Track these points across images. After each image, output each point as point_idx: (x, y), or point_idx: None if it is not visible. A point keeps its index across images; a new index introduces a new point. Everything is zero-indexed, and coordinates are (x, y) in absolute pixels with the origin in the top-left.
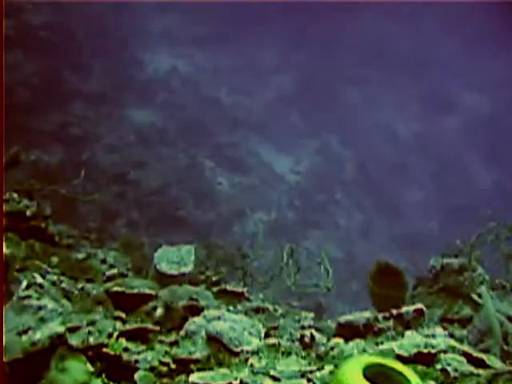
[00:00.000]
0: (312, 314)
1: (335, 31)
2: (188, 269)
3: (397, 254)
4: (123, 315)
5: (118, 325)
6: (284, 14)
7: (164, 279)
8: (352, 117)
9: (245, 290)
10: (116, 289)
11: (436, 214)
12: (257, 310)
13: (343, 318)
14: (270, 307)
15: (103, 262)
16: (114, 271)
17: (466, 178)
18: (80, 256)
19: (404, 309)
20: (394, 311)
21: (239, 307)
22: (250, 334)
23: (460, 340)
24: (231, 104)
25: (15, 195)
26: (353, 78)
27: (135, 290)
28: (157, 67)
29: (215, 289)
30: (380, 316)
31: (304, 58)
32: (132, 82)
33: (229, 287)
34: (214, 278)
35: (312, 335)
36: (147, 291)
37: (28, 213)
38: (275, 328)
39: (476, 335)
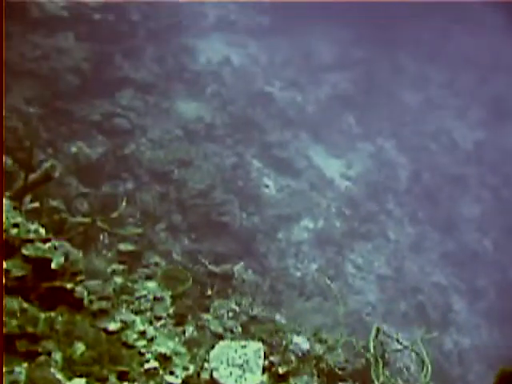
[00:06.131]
0: None
1: (396, 30)
2: (256, 380)
3: (448, 271)
4: None
5: None
6: (344, 9)
7: None
8: (409, 121)
9: None
10: None
11: (492, 230)
12: None
13: None
14: None
15: (142, 334)
16: (156, 364)
17: None
18: (113, 327)
19: None
20: None
21: None
22: None
23: None
24: (283, 100)
25: (42, 229)
26: (413, 80)
27: None
28: (209, 57)
29: None
30: None
31: (362, 56)
32: (182, 72)
33: None
34: (280, 370)
35: None
36: None
37: (53, 264)
38: None
39: None
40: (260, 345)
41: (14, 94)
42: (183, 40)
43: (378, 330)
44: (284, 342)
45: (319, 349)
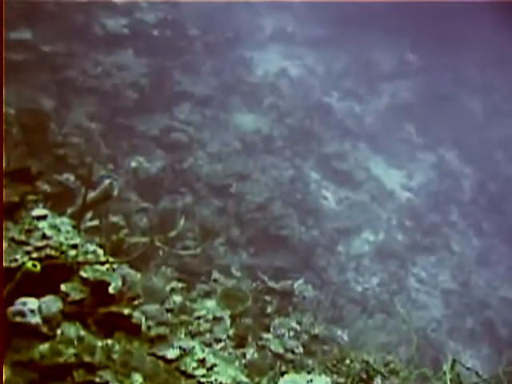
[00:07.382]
0: None
1: (458, 35)
2: None
3: None
4: None
5: None
6: (403, 15)
7: None
8: (473, 129)
9: None
10: None
11: None
12: None
13: None
14: None
15: (201, 362)
16: None
17: None
18: (171, 355)
19: None
20: None
21: None
22: None
23: None
24: (341, 111)
25: (99, 250)
26: (476, 87)
27: None
28: (266, 69)
29: None
30: None
31: (422, 64)
32: (240, 84)
33: None
34: None
35: None
36: None
37: (111, 289)
38: None
39: None
40: (327, 380)
41: (76, 110)
42: (240, 53)
43: (454, 361)
44: (351, 372)
45: (390, 380)
